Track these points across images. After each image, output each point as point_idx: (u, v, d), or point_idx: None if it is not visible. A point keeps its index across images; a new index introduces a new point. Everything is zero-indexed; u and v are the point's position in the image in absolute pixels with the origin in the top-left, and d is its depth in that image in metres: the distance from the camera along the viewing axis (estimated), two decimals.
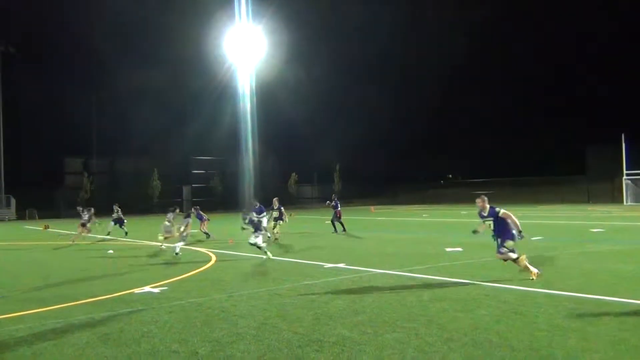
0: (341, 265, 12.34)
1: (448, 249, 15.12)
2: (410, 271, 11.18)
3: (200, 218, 23.03)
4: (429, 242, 18.59)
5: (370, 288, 9.36)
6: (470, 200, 16.26)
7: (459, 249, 15.03)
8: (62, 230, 29.33)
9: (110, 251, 17.40)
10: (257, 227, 14.19)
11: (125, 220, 24.79)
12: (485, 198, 10.48)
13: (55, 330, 6.86)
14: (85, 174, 68.10)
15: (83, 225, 21.74)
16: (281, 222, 20.43)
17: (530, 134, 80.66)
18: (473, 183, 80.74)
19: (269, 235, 18.81)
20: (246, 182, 64.55)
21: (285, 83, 71.54)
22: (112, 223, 24.85)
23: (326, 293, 8.96)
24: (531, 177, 73.26)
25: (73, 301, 8.82)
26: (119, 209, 25.50)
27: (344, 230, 23.03)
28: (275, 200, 20.54)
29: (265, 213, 18.65)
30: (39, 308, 8.31)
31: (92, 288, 10.21)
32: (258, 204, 18.71)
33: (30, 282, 11.19)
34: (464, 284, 9.62)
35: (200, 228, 22.53)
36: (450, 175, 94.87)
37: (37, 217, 54.74)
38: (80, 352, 5.88)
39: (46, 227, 33.16)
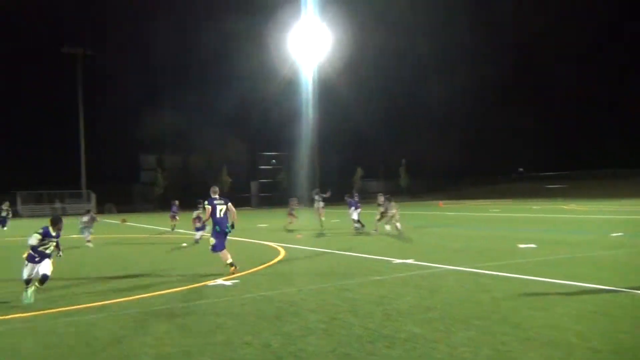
0: (410, 261, 12.21)
1: (521, 246, 14.62)
2: (481, 268, 10.89)
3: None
4: (500, 238, 18.05)
5: (441, 284, 9.19)
6: (543, 194, 15.64)
7: (533, 246, 14.50)
8: (137, 224, 30.68)
9: (184, 244, 18.05)
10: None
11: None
12: None
13: (135, 319, 7.19)
14: (159, 170, 70.78)
15: (173, 217, 25.07)
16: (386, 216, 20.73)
17: (605, 126, 76.61)
18: (546, 177, 77.60)
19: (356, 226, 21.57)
20: (310, 176, 65.09)
21: (350, 77, 71.39)
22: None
23: (395, 289, 8.88)
24: (608, 169, 69.59)
25: (151, 292, 9.22)
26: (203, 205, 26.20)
27: (362, 226, 22.82)
28: (380, 196, 21.30)
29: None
30: (119, 298, 8.75)
31: (168, 279, 10.63)
32: (352, 199, 22.31)
33: (111, 273, 11.79)
34: (539, 282, 9.26)
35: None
36: (522, 169, 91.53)
37: (115, 211, 57.54)
38: (160, 341, 6.13)
39: (124, 220, 34.80)
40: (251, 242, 18.64)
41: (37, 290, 8.55)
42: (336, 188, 24.17)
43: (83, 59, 58.22)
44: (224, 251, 11.43)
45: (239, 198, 72.32)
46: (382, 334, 6.14)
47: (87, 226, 19.11)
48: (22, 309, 7.99)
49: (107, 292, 9.44)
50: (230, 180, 71.94)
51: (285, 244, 17.26)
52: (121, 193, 66.62)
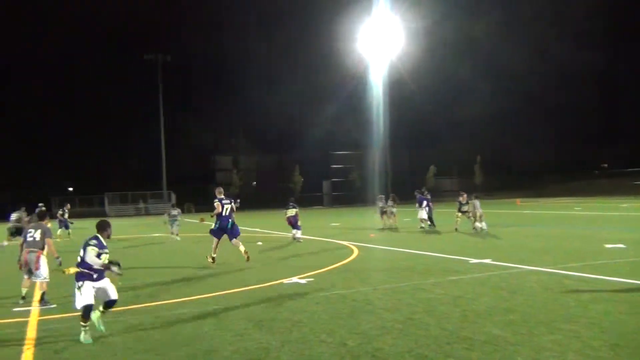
0: (487, 261, 11.86)
1: (608, 246, 13.82)
2: (564, 269, 10.40)
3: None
4: (584, 237, 17.15)
5: (521, 286, 8.86)
6: (629, 191, 14.68)
7: (621, 246, 13.67)
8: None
9: (259, 243, 18.45)
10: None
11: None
12: None
13: (215, 316, 7.43)
14: (235, 171, 72.70)
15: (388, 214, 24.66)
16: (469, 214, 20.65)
17: None
18: (632, 173, 72.98)
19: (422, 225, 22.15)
20: (383, 175, 64.62)
21: (423, 73, 70.16)
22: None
23: (473, 289, 8.65)
24: None
25: (229, 289, 9.50)
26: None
27: (432, 225, 22.68)
28: (464, 195, 21.18)
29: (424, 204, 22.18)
30: (199, 295, 9.07)
31: (244, 277, 10.90)
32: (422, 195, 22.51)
33: (191, 271, 12.25)
34: (629, 284, 8.73)
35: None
36: (606, 165, 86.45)
37: (194, 211, 59.66)
38: (239, 337, 6.29)
39: (202, 220, 36.02)
40: (324, 240, 18.78)
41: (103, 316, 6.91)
42: (409, 186, 23.89)
43: (163, 65, 60.71)
44: (215, 241, 13.38)
45: (311, 197, 73.12)
46: (460, 336, 6.00)
47: (175, 219, 20.05)
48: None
49: (189, 289, 9.82)
50: (302, 179, 72.81)
51: (358, 242, 17.25)
52: (199, 193, 69.07)
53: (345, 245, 16.86)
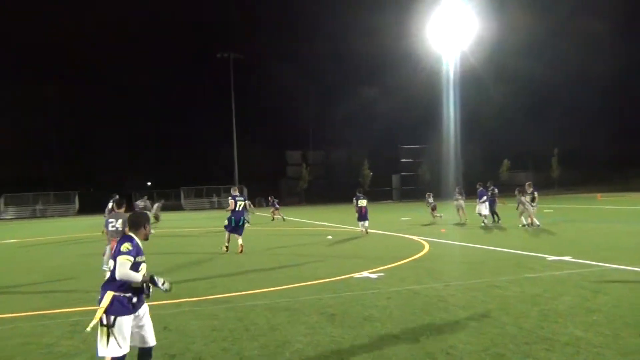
0: (566, 258, 11.34)
1: None
2: None
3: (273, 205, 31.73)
4: None
5: (604, 285, 8.40)
6: None
7: None
8: (287, 217, 32.15)
9: (329, 237, 18.56)
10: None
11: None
12: None
13: (287, 308, 7.54)
14: (304, 165, 73.38)
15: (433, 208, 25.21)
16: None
17: None
18: None
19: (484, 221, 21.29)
20: (452, 169, 63.20)
21: (496, 64, 67.87)
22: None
23: (552, 288, 8.30)
24: None
25: (301, 282, 9.62)
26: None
27: (496, 220, 22.11)
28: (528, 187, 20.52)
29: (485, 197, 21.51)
30: (273, 287, 9.24)
31: (316, 271, 10.99)
32: (483, 189, 21.80)
33: (263, 263, 12.50)
34: None
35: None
36: None
37: (264, 205, 60.82)
38: (311, 330, 6.36)
39: (273, 213, 36.58)
40: (394, 235, 18.63)
41: None
42: (485, 181, 23.18)
43: (235, 62, 62.12)
44: (227, 234, 14.92)
45: (380, 191, 72.69)
46: (539, 336, 5.78)
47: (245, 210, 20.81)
48: (188, 295, 8.78)
49: (262, 280, 10.02)
50: (370, 173, 72.48)
51: (429, 237, 16.99)
52: (270, 187, 70.37)
53: (415, 240, 16.64)
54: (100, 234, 21.17)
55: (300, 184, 71.68)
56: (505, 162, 76.10)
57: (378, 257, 12.86)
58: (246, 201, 15.63)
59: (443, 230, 19.28)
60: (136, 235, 4.61)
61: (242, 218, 15.20)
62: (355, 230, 20.68)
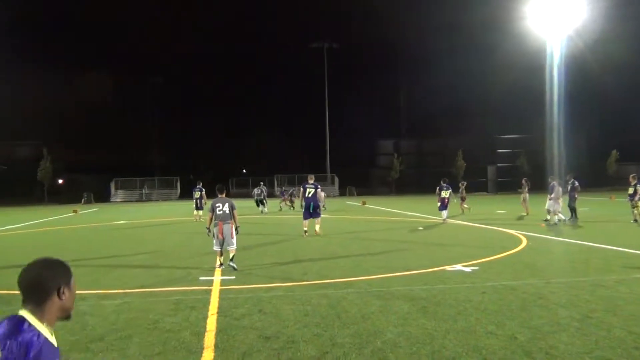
0: None
1: None
2: None
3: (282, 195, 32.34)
4: None
5: None
6: None
7: None
8: (375, 207, 32.06)
9: (420, 228, 18.29)
10: None
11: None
12: None
13: (379, 298, 7.54)
14: (395, 155, 72.71)
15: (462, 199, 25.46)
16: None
17: None
18: None
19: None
20: (554, 161, 59.85)
21: (604, 50, 63.12)
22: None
23: None
24: None
25: (392, 272, 9.58)
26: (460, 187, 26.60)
27: (571, 217, 20.30)
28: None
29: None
30: (364, 276, 9.28)
31: (407, 262, 10.89)
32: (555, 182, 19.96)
33: (355, 252, 12.57)
34: None
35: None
36: None
37: (355, 194, 61.04)
38: (403, 320, 6.33)
39: (364, 203, 36.74)
40: (489, 228, 18.01)
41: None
42: (590, 174, 21.79)
43: (328, 52, 62.58)
44: (305, 222, 16.09)
45: (474, 183, 70.48)
46: None
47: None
48: (282, 279, 9.04)
49: (353, 269, 10.09)
50: (464, 164, 70.41)
51: (526, 232, 16.26)
52: (360, 177, 70.54)
53: (512, 234, 15.99)
54: (194, 220, 22.62)
55: (391, 174, 71.10)
56: (614, 153, 70.95)
57: (472, 250, 12.51)
58: (317, 189, 16.37)
59: (543, 225, 18.36)
60: None
61: (311, 204, 16.18)
62: (449, 222, 20.25)
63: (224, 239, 10.20)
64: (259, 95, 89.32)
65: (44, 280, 2.02)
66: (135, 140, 78.98)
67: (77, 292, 6.91)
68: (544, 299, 7.31)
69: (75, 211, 36.28)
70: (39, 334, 1.92)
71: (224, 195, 10.63)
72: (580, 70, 61.84)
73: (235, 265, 10.03)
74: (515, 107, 70.88)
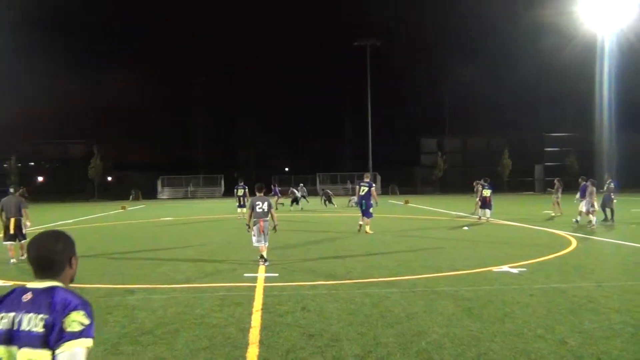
0: None
1: None
2: None
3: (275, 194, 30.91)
4: None
5: None
6: None
7: None
8: (418, 205, 31.72)
9: (465, 227, 18.00)
10: None
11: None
12: None
13: (423, 298, 7.46)
14: (439, 153, 71.76)
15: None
16: None
17: None
18: None
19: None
20: (605, 160, 57.83)
21: None
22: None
23: None
24: None
25: (436, 272, 9.47)
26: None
27: (612, 219, 19.29)
28: None
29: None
30: (408, 275, 9.21)
31: (452, 262, 10.73)
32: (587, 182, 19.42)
33: (398, 251, 12.47)
34: None
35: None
36: None
37: (398, 193, 60.57)
38: (447, 321, 6.25)
39: (406, 202, 36.42)
40: (536, 229, 17.55)
41: None
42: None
43: (371, 50, 62.22)
44: (364, 219, 16.46)
45: (521, 182, 68.88)
46: None
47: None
48: (325, 277, 9.07)
49: (397, 268, 10.02)
50: (510, 163, 68.83)
51: (576, 233, 15.77)
52: (403, 175, 69.97)
53: (560, 235, 15.54)
54: (238, 218, 22.89)
55: (434, 173, 70.23)
56: None
57: (519, 250, 12.23)
58: (371, 187, 16.42)
59: (593, 227, 17.75)
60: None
61: (363, 202, 16.39)
62: (493, 222, 19.87)
63: (263, 235, 10.54)
64: (301, 94, 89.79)
65: (58, 253, 2.26)
66: (181, 139, 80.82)
67: (126, 285, 7.10)
68: (595, 302, 7.08)
69: (123, 208, 37.38)
70: (76, 295, 2.19)
71: (262, 194, 11.00)
72: (635, 66, 59.43)
73: (266, 257, 10.61)
74: (565, 104, 68.89)
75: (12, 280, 9.34)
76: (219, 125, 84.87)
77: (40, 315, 2.08)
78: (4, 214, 11.70)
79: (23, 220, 11.77)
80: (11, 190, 12.16)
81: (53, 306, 2.09)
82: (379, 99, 66.68)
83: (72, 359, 2.03)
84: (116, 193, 61.53)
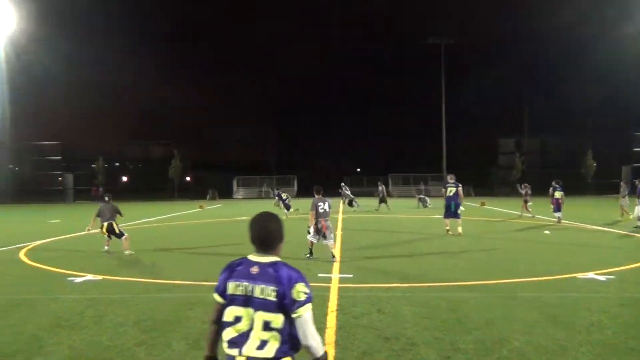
0: None
1: None
2: None
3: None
4: None
5: None
6: None
7: None
8: (494, 208, 30.75)
9: (547, 232, 17.23)
10: None
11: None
12: None
13: (503, 304, 7.20)
14: (517, 154, 69.24)
15: (526, 202, 24.31)
16: None
17: None
18: None
19: None
20: None
21: None
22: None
23: None
24: None
25: (516, 277, 9.12)
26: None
27: None
28: None
29: None
30: (485, 280, 8.93)
31: (533, 266, 10.30)
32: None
33: (475, 254, 12.11)
34: None
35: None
36: None
37: (473, 194, 58.94)
38: (530, 329, 6.00)
39: (482, 204, 35.43)
40: (624, 234, 16.51)
41: None
42: None
43: (446, 48, 60.95)
44: (446, 220, 16.35)
45: (606, 184, 65.12)
46: None
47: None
48: (400, 279, 8.96)
49: (474, 272, 9.75)
50: (594, 164, 65.18)
51: None
52: (479, 177, 67.94)
53: None
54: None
55: (512, 174, 67.75)
56: None
57: (605, 256, 11.56)
58: (459, 187, 16.15)
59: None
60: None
61: (452, 203, 16.17)
62: (580, 226, 18.90)
63: (325, 234, 11.15)
64: (376, 93, 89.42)
65: (274, 232, 2.82)
66: (256, 140, 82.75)
67: (206, 282, 7.29)
68: None
69: (201, 207, 38.70)
70: (293, 269, 2.72)
71: (321, 195, 11.55)
72: None
73: (336, 255, 11.26)
74: None
75: (101, 275, 9.88)
76: (293, 126, 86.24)
77: (271, 287, 2.61)
78: (99, 219, 13.01)
79: (114, 224, 13.01)
80: (106, 198, 13.51)
81: (280, 279, 2.62)
82: (454, 98, 65.23)
83: (306, 319, 2.62)
84: (194, 193, 63.81)
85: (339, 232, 16.95)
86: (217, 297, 2.81)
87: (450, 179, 16.70)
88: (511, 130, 75.53)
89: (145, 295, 8.11)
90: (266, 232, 2.77)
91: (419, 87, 79.67)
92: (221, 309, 2.77)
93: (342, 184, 34.64)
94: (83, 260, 11.86)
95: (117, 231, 12.97)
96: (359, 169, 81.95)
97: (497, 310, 6.87)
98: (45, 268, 10.89)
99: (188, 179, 75.10)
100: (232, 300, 2.71)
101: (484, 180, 69.25)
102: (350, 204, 30.43)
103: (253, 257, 2.76)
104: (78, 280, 9.44)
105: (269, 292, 2.61)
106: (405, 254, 12.19)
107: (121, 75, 75.78)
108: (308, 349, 2.65)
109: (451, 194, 16.17)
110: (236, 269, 2.77)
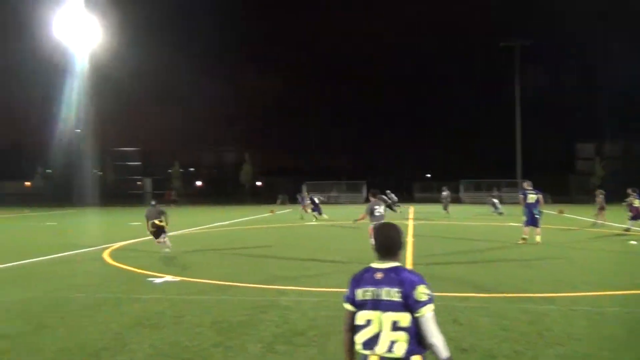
0: None
1: None
2: None
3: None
4: None
5: None
6: None
7: None
8: (573, 216, 29.34)
9: (633, 242, 16.21)
10: None
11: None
12: None
13: (587, 318, 6.83)
14: (597, 159, 65.86)
15: (601, 209, 22.89)
16: None
17: None
18: None
19: None
20: None
21: None
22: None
23: None
24: None
25: (602, 290, 8.62)
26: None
27: None
28: None
29: None
30: (568, 292, 8.49)
31: (620, 278, 9.71)
32: None
33: (557, 263, 11.56)
34: None
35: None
36: None
37: (550, 201, 56.49)
38: (618, 345, 5.65)
39: (561, 211, 33.90)
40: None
41: None
42: None
43: (521, 50, 58.93)
44: (525, 229, 15.70)
45: None
46: None
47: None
48: (475, 289, 8.70)
49: (555, 282, 9.31)
50: None
51: None
52: (556, 183, 65.00)
53: None
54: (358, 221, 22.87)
55: (592, 181, 64.40)
56: None
57: None
58: (539, 195, 15.72)
59: None
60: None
61: (532, 211, 15.58)
62: None
63: None
64: (445, 97, 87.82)
65: (396, 240, 3.08)
66: (325, 146, 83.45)
67: (277, 287, 7.39)
68: None
69: (271, 211, 39.36)
70: (414, 273, 2.97)
71: (377, 199, 11.71)
72: None
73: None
74: None
75: (179, 276, 10.24)
76: (362, 132, 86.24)
77: (395, 289, 2.85)
78: (149, 223, 13.83)
79: (162, 223, 13.86)
80: (152, 202, 14.50)
81: (402, 282, 2.86)
82: (528, 102, 62.90)
83: (429, 318, 2.82)
84: (265, 197, 65.05)
85: (410, 239, 16.68)
86: (348, 306, 3.06)
87: (528, 185, 16.24)
88: (591, 134, 71.89)
89: (220, 296, 8.33)
90: (389, 241, 3.04)
91: (492, 90, 77.50)
92: (352, 316, 3.01)
93: (388, 190, 34.37)
94: (161, 262, 12.37)
95: (162, 227, 13.71)
96: (429, 175, 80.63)
97: (581, 324, 6.52)
98: (127, 268, 11.44)
99: (259, 183, 76.68)
100: (362, 305, 2.95)
101: (561, 187, 66.21)
102: (390, 207, 30.11)
103: (376, 265, 3.01)
104: (158, 280, 9.84)
105: (393, 294, 2.84)
106: (479, 263, 11.84)
107: (195, 85, 78.56)
108: (432, 347, 2.83)
109: (532, 201, 15.66)
110: (362, 277, 3.02)
